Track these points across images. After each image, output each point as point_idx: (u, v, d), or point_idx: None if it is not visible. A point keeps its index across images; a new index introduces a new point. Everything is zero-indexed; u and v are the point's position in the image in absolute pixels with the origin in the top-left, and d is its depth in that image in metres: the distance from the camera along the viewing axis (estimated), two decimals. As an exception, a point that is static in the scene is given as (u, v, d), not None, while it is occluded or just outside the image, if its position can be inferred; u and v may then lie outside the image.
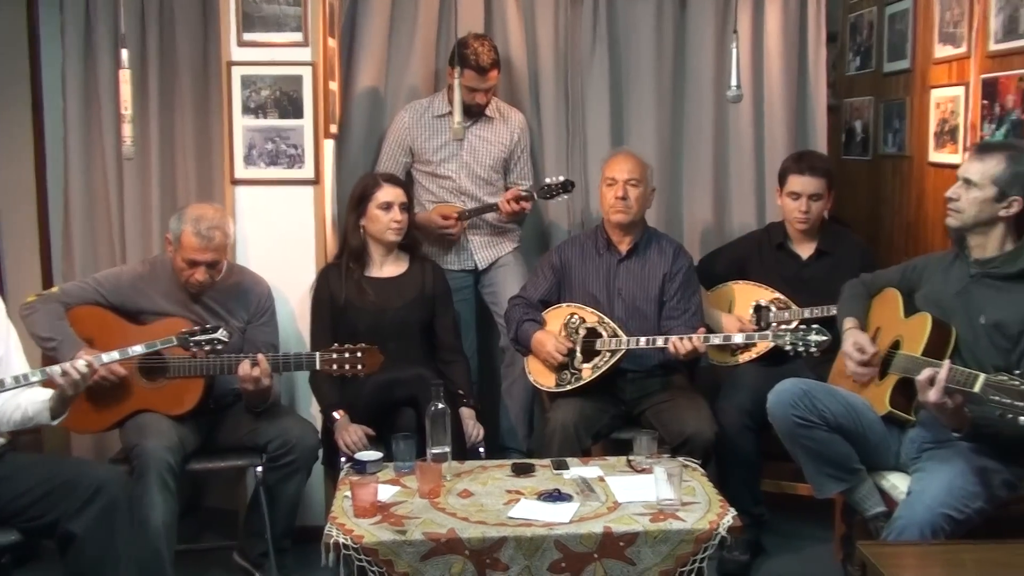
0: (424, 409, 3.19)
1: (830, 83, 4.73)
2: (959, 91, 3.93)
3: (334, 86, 4.11)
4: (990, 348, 2.95)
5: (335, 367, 3.39)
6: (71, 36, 4.15)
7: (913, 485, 2.97)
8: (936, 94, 4.15)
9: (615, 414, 3.80)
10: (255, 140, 3.87)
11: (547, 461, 3.35)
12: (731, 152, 4.56)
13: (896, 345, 3.18)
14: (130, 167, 4.18)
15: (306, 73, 3.85)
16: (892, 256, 4.24)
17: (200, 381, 3.47)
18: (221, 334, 3.32)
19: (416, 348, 3.79)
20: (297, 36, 3.84)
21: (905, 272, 3.37)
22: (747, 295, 4.03)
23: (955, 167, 3.74)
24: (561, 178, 4.16)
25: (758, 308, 3.98)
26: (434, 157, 4.26)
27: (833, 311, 3.63)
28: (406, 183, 4.04)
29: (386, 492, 3.04)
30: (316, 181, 3.90)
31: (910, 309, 3.22)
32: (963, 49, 3.90)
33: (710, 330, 3.79)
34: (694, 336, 3.60)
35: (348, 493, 3.00)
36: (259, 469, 3.51)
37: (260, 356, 3.40)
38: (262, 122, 3.86)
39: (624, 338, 3.71)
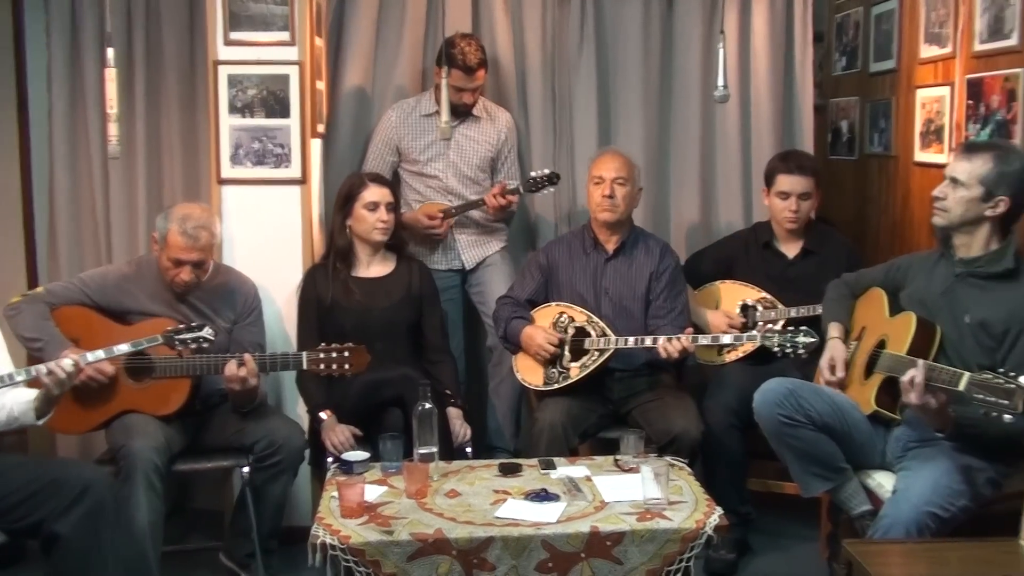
0: (411, 409, 3.19)
1: (816, 83, 4.75)
2: (944, 91, 3.94)
3: (321, 85, 4.11)
4: (975, 347, 2.96)
5: (322, 367, 3.39)
6: (56, 35, 4.13)
7: (898, 484, 2.98)
8: (922, 94, 4.16)
9: (602, 413, 3.81)
10: (242, 139, 3.86)
11: (534, 461, 3.35)
12: (718, 152, 4.57)
13: (881, 344, 3.19)
14: (116, 166, 4.17)
15: (293, 72, 3.84)
16: (878, 256, 4.25)
17: (186, 381, 3.46)
18: (207, 332, 3.31)
19: (403, 348, 3.79)
20: (284, 35, 3.83)
21: (889, 271, 3.38)
22: (734, 294, 4.03)
23: (941, 167, 3.76)
24: (546, 171, 4.15)
25: (744, 307, 3.99)
26: (421, 156, 4.25)
27: (819, 310, 3.64)
28: (393, 183, 4.03)
29: (373, 492, 3.04)
30: (303, 181, 3.89)
31: (895, 308, 3.23)
32: (948, 49, 3.92)
33: (697, 329, 3.80)
34: (683, 336, 3.61)
35: (335, 493, 3.00)
36: (245, 470, 3.50)
37: (247, 356, 3.39)
38: (249, 121, 3.85)
39: (613, 337, 3.71)
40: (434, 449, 3.16)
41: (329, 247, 3.84)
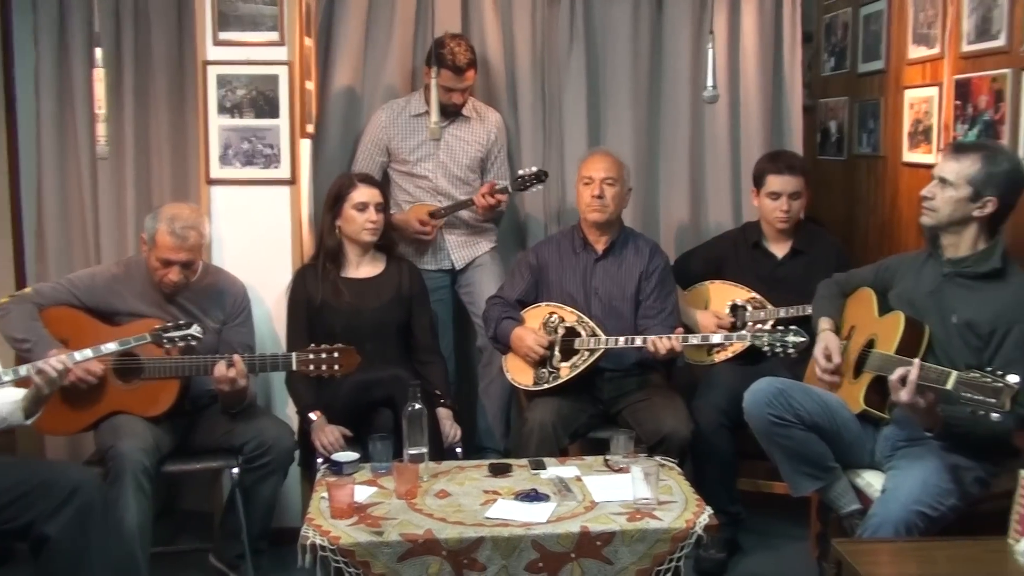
0: (401, 410, 3.19)
1: (805, 83, 4.76)
2: (933, 92, 3.96)
3: (310, 86, 4.10)
4: (962, 347, 2.97)
5: (311, 368, 3.38)
6: (44, 34, 4.12)
7: (887, 483, 2.99)
8: (910, 94, 4.18)
9: (593, 413, 3.81)
10: (231, 140, 3.85)
11: (524, 461, 3.35)
12: (707, 152, 4.58)
13: (870, 344, 3.20)
14: (104, 167, 4.16)
15: (282, 72, 3.83)
16: (867, 255, 4.26)
17: (175, 382, 3.45)
18: (195, 330, 3.31)
19: (393, 349, 3.78)
20: (273, 35, 3.82)
21: (878, 271, 3.39)
22: (723, 294, 4.04)
23: (929, 167, 3.77)
24: (534, 168, 4.15)
25: (734, 307, 4.00)
26: (411, 157, 4.25)
27: (808, 310, 3.66)
28: (382, 183, 4.03)
29: (363, 493, 3.03)
30: (292, 181, 3.89)
31: (884, 308, 3.24)
32: (936, 50, 3.93)
33: (687, 329, 3.81)
34: (673, 336, 3.62)
35: (325, 494, 3.00)
36: (235, 471, 3.49)
37: (236, 357, 3.38)
38: (238, 122, 3.84)
39: (603, 337, 3.71)
40: (424, 449, 3.16)
41: (319, 248, 3.84)
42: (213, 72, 3.82)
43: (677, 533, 2.80)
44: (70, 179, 4.23)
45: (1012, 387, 2.54)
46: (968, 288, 3.02)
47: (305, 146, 4.03)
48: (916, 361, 2.81)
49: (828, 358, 3.29)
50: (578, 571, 2.77)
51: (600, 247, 3.93)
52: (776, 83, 4.55)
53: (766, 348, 3.53)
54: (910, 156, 4.17)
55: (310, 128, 4.13)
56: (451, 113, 4.21)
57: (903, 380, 2.79)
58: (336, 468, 3.19)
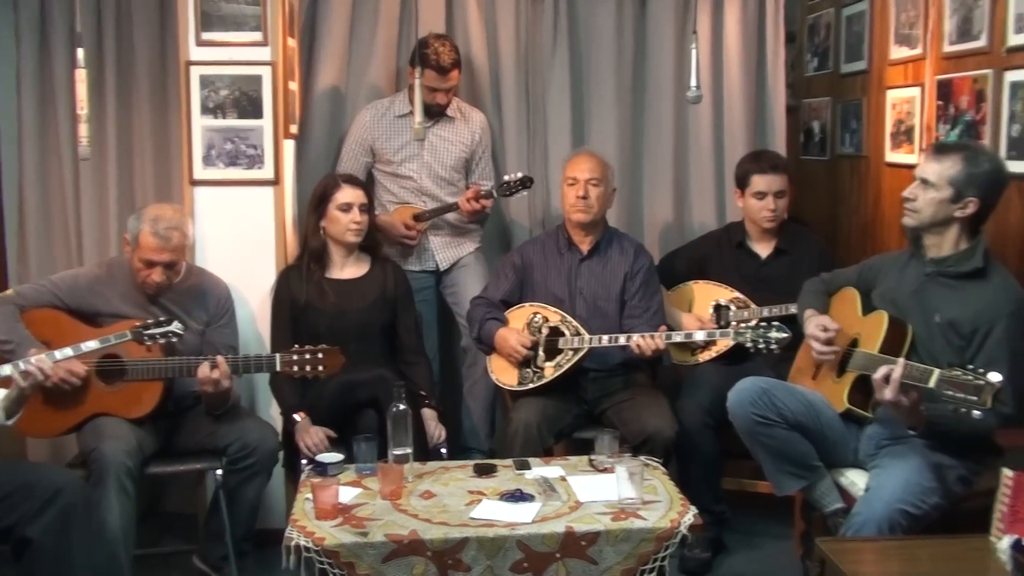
0: (385, 410, 3.18)
1: (788, 84, 4.77)
2: (915, 92, 3.98)
3: (294, 86, 4.09)
4: (945, 346, 2.98)
5: (295, 369, 3.37)
6: (26, 34, 4.09)
7: (871, 481, 3.00)
8: (892, 95, 4.20)
9: (577, 413, 3.81)
10: (214, 140, 3.84)
11: (509, 461, 3.35)
12: (691, 152, 4.59)
13: (854, 343, 3.21)
14: (87, 168, 4.14)
15: (266, 73, 3.82)
16: (850, 255, 4.28)
17: (159, 384, 3.43)
18: (175, 326, 3.30)
19: (377, 350, 3.78)
20: (256, 36, 3.81)
21: (862, 271, 3.41)
22: (707, 294, 4.05)
23: (911, 167, 3.79)
24: (519, 174, 4.16)
25: (718, 307, 4.01)
26: (395, 157, 4.25)
27: (792, 309, 3.67)
28: (366, 184, 4.02)
29: (347, 494, 3.03)
30: (276, 182, 3.88)
31: (867, 308, 3.25)
32: (918, 51, 3.95)
33: (671, 329, 3.81)
34: (656, 334, 3.62)
35: (309, 495, 2.99)
36: (219, 472, 3.47)
37: (219, 358, 3.37)
38: (221, 122, 3.83)
39: (587, 336, 3.72)
40: (409, 450, 3.16)
41: (303, 248, 3.83)
42: (196, 72, 3.81)
43: (662, 533, 2.80)
44: (52, 180, 4.20)
45: (993, 385, 2.56)
46: (950, 288, 3.03)
47: (289, 147, 4.02)
48: (900, 360, 2.83)
49: (824, 328, 3.25)
50: (563, 571, 2.77)
51: (585, 247, 3.94)
52: (759, 83, 4.56)
53: (749, 345, 3.54)
54: (892, 156, 4.19)
55: (294, 129, 4.12)
56: (435, 113, 4.21)
57: (887, 379, 2.80)
58: (320, 469, 3.18)
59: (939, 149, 3.07)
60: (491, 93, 4.51)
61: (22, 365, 3.01)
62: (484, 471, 3.24)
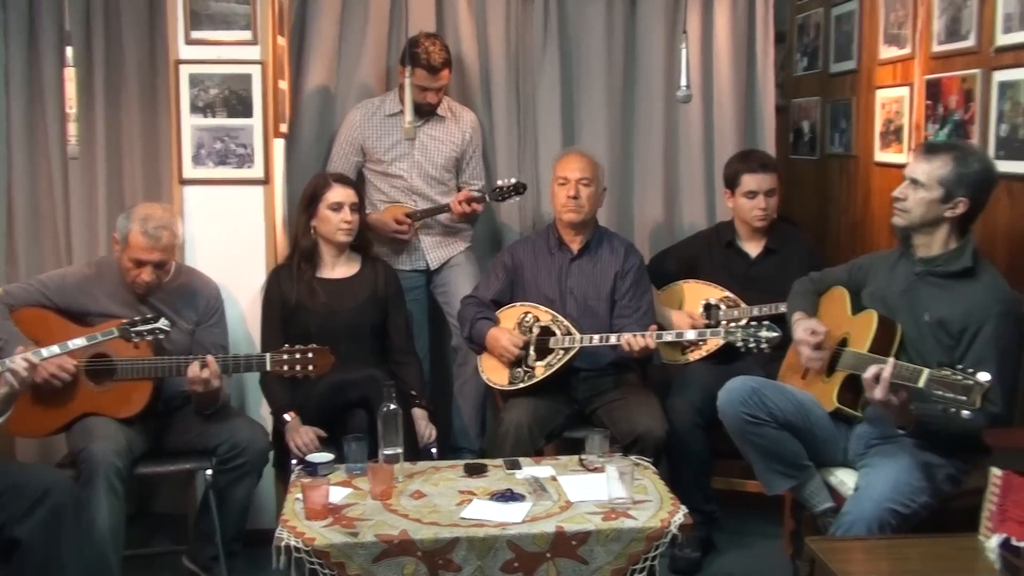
0: (376, 410, 3.18)
1: (778, 83, 4.79)
2: (904, 91, 3.99)
3: (284, 85, 4.08)
4: (935, 345, 2.99)
5: (286, 368, 3.37)
6: (14, 33, 4.07)
7: (860, 481, 3.01)
8: (881, 94, 4.21)
9: (568, 413, 3.81)
10: (204, 139, 3.83)
11: (499, 461, 3.35)
12: (681, 151, 4.59)
13: (844, 342, 3.22)
14: (76, 167, 4.12)
15: (255, 72, 3.81)
16: (839, 255, 4.29)
17: (148, 383, 3.42)
18: (162, 323, 3.29)
19: (368, 349, 3.77)
20: (246, 34, 3.80)
21: (852, 271, 3.41)
22: (697, 294, 4.06)
23: (900, 167, 3.80)
24: (513, 180, 4.17)
25: (708, 307, 4.01)
26: (385, 156, 4.24)
27: (782, 308, 3.67)
28: (357, 183, 4.02)
29: (338, 494, 3.02)
30: (266, 181, 3.87)
31: (857, 307, 3.26)
32: (907, 50, 3.96)
33: (661, 328, 3.81)
34: (647, 334, 3.63)
35: (299, 495, 2.98)
36: (209, 472, 3.47)
37: (209, 357, 3.36)
38: (211, 121, 3.82)
39: (577, 336, 3.72)
40: (399, 450, 3.16)
41: (294, 248, 3.82)
42: (185, 71, 3.80)
43: (652, 532, 2.81)
44: (40, 179, 4.19)
45: (982, 384, 2.56)
46: (940, 287, 3.04)
47: (279, 146, 4.01)
48: (890, 359, 2.83)
49: (813, 332, 3.25)
50: (553, 571, 2.78)
51: (575, 247, 3.94)
52: (749, 83, 4.57)
53: (739, 344, 3.55)
54: (882, 156, 4.20)
55: (284, 128, 4.12)
56: (426, 113, 4.21)
57: (877, 378, 2.80)
58: (311, 469, 3.18)
59: (929, 149, 3.08)
60: (481, 92, 4.50)
61: (8, 363, 3.00)
62: (474, 471, 3.24)
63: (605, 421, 3.69)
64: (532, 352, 3.78)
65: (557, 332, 3.77)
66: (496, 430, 3.69)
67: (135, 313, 3.48)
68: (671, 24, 4.48)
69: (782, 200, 4.08)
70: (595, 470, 3.21)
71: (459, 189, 4.30)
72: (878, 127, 4.22)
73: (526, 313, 3.85)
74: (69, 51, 3.05)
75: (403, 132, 3.48)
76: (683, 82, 3.26)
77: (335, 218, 3.72)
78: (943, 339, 2.98)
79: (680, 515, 2.87)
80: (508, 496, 3.00)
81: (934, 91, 3.74)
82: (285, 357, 3.36)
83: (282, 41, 4.04)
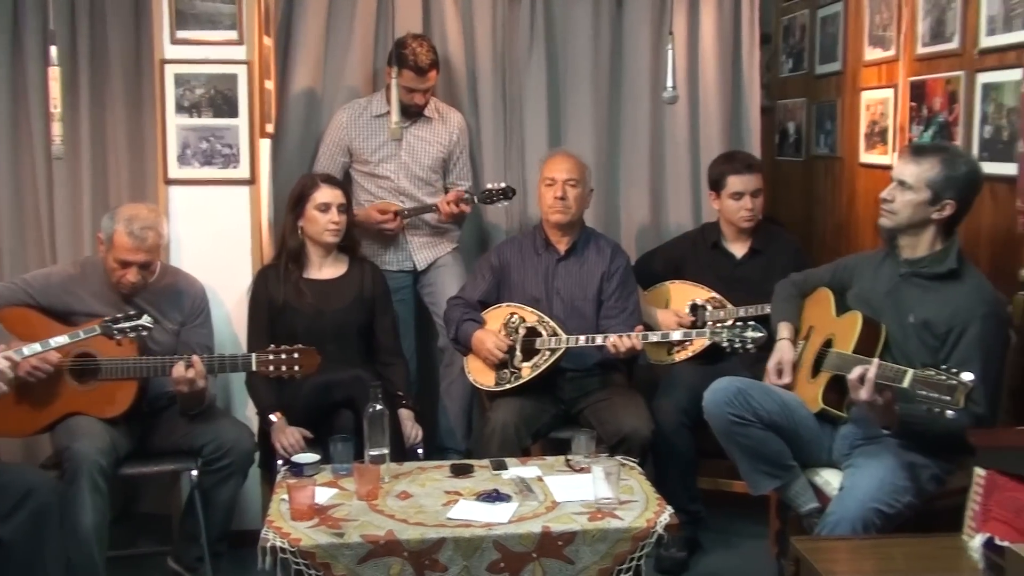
0: (362, 411, 3.17)
1: (764, 85, 4.80)
2: (888, 93, 4.01)
3: (270, 85, 4.07)
4: (919, 347, 3.01)
5: (271, 368, 3.36)
6: (-3, 32, 4.06)
7: (845, 481, 3.02)
8: (866, 96, 4.23)
9: (554, 413, 3.81)
10: (189, 139, 3.82)
11: (486, 462, 3.35)
12: (667, 152, 4.60)
13: (828, 343, 3.23)
14: (60, 167, 4.10)
15: (241, 72, 3.80)
16: (825, 255, 4.31)
17: (133, 383, 3.41)
18: (145, 320, 3.28)
19: (354, 350, 3.77)
20: (232, 34, 3.79)
21: (836, 271, 3.42)
22: (683, 294, 4.07)
23: (885, 168, 3.82)
24: (502, 184, 4.17)
25: (694, 307, 4.02)
26: (372, 157, 4.24)
27: (767, 309, 3.68)
28: (345, 184, 4.01)
29: (323, 494, 3.02)
30: (252, 181, 3.86)
31: (842, 308, 3.27)
32: (892, 52, 3.98)
33: (648, 328, 3.82)
34: (632, 334, 3.63)
35: (285, 496, 2.98)
36: (194, 473, 3.46)
37: (195, 357, 3.35)
38: (196, 121, 3.81)
39: (563, 337, 3.72)
40: (385, 451, 3.15)
41: (281, 248, 3.81)
42: (171, 71, 3.79)
43: (638, 532, 2.81)
44: (25, 179, 4.17)
45: (966, 384, 2.58)
46: (924, 288, 3.05)
47: (264, 146, 4.00)
48: (874, 360, 2.84)
49: (779, 373, 3.32)
50: (540, 571, 2.78)
51: (562, 248, 3.94)
52: (735, 84, 4.58)
53: (725, 344, 3.56)
54: (867, 157, 4.21)
55: (270, 128, 4.11)
56: (413, 113, 4.20)
57: (862, 379, 2.82)
58: (296, 470, 3.17)
59: (916, 151, 3.08)
60: (468, 93, 4.50)
61: None
62: (461, 471, 3.24)
63: (591, 421, 3.69)
64: (518, 353, 3.78)
65: (543, 333, 3.77)
66: (482, 430, 3.69)
67: (120, 313, 3.47)
68: (657, 25, 4.49)
69: (768, 201, 4.09)
70: (581, 470, 3.21)
71: (446, 190, 4.30)
72: (863, 128, 4.24)
73: (512, 314, 3.85)
74: (53, 50, 3.03)
75: (389, 133, 3.48)
76: (669, 83, 3.27)
77: (322, 219, 3.71)
78: (928, 340, 3.00)
79: (666, 515, 2.87)
80: (494, 496, 3.00)
81: (918, 93, 3.76)
82: (271, 357, 3.36)
83: (268, 41, 4.03)
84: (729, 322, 3.84)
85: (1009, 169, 3.11)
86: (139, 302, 3.52)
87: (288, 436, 3.51)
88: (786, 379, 3.31)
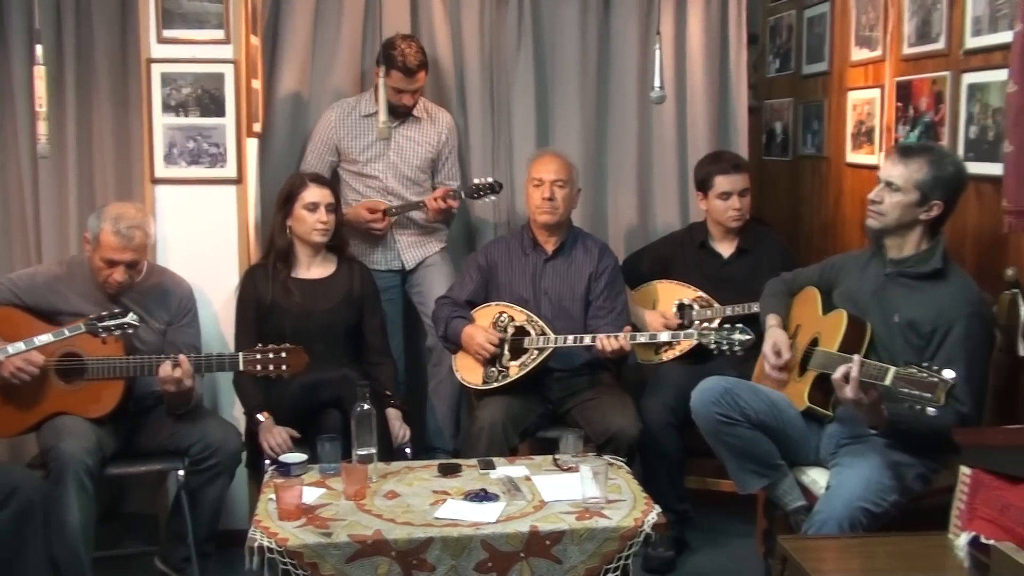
0: (350, 410, 3.17)
1: (751, 85, 4.81)
2: (875, 93, 4.02)
3: (257, 84, 4.06)
4: (904, 346, 3.02)
5: (259, 368, 3.35)
6: (-17, 30, 4.04)
7: (832, 480, 3.03)
8: (853, 96, 4.24)
9: (542, 413, 3.82)
10: (176, 138, 3.81)
11: (474, 461, 3.35)
12: (655, 152, 4.61)
13: (815, 342, 3.24)
14: (46, 166, 4.08)
15: (228, 71, 3.79)
16: (812, 255, 4.32)
17: (120, 383, 3.40)
18: (131, 318, 3.27)
19: (342, 350, 3.76)
20: (219, 33, 3.78)
21: (823, 271, 3.44)
22: (670, 294, 4.07)
23: (872, 168, 3.84)
24: (490, 179, 4.17)
25: (681, 306, 4.03)
26: (360, 157, 4.23)
27: (754, 308, 3.70)
28: (333, 184, 4.01)
29: (311, 494, 3.01)
30: (239, 180, 3.85)
31: (828, 307, 3.28)
32: (878, 52, 3.99)
33: (636, 328, 3.83)
34: (620, 335, 3.64)
35: (272, 496, 2.97)
36: (181, 473, 3.45)
37: (182, 357, 3.34)
38: (183, 120, 3.80)
39: (552, 336, 3.73)
40: (373, 450, 3.15)
41: (269, 247, 3.80)
42: (157, 70, 3.78)
43: (626, 532, 2.81)
44: (10, 178, 4.15)
45: (947, 382, 2.58)
46: (910, 288, 3.06)
47: (251, 145, 4.00)
48: (855, 358, 2.85)
49: (777, 354, 3.31)
50: (527, 570, 2.78)
51: (550, 248, 3.94)
52: (722, 84, 4.59)
53: (712, 346, 3.57)
54: (853, 157, 4.23)
55: (257, 127, 4.10)
56: (402, 113, 4.20)
57: (846, 377, 2.83)
58: (284, 469, 3.16)
59: (904, 152, 3.09)
60: (456, 93, 4.50)
61: None
62: (448, 471, 3.24)
63: (579, 421, 3.69)
64: (507, 352, 3.78)
65: (532, 332, 3.77)
66: (470, 429, 3.69)
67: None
68: (645, 25, 4.49)
69: (754, 201, 4.10)
70: (569, 470, 3.21)
71: (435, 190, 4.29)
72: (849, 128, 4.25)
73: (501, 313, 3.86)
74: (39, 49, 3.03)
75: (377, 132, 3.48)
76: (656, 83, 3.28)
77: (311, 218, 3.71)
78: (913, 340, 3.01)
79: (653, 514, 2.88)
80: (482, 496, 3.00)
81: (905, 93, 3.78)
82: (258, 356, 3.35)
83: (255, 40, 4.02)
84: (716, 323, 3.84)
85: (995, 169, 3.12)
86: (126, 302, 3.51)
87: (275, 436, 3.51)
88: (785, 355, 3.29)
